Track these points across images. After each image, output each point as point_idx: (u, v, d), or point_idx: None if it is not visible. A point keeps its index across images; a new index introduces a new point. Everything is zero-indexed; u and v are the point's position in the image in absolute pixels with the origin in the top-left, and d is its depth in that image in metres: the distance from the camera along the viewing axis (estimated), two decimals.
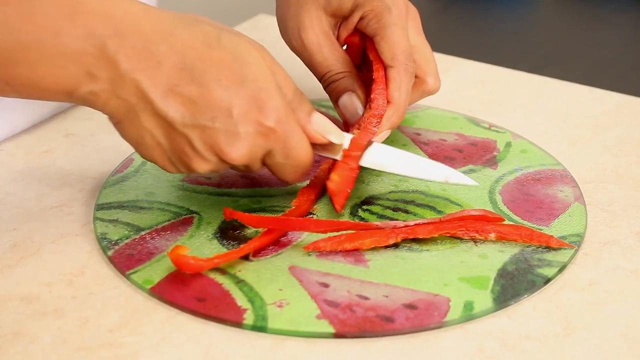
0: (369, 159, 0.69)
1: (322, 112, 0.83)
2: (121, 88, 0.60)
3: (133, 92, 0.60)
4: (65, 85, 0.59)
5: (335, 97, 0.74)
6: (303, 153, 0.65)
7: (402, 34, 0.73)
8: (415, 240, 0.66)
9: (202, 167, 0.62)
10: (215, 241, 0.66)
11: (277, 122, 0.62)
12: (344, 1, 0.75)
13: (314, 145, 0.66)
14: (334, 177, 0.68)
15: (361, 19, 0.74)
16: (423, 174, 0.69)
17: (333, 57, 0.75)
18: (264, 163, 0.65)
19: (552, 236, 0.66)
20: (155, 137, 0.61)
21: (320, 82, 0.75)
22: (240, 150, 0.62)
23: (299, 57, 0.76)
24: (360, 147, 0.69)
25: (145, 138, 0.62)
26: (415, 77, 0.75)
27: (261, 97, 0.62)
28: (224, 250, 0.65)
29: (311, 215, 0.69)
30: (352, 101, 0.74)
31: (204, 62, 0.61)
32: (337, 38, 0.76)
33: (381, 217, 0.69)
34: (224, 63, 0.61)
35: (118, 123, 0.62)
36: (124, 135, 0.62)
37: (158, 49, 0.60)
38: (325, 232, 0.66)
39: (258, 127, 0.62)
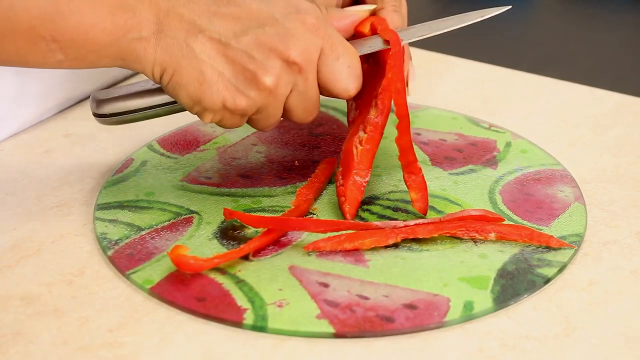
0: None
1: (322, 112, 0.83)
2: (168, 25, 0.61)
3: (180, 26, 0.61)
4: (114, 32, 0.60)
5: None
6: (350, 49, 0.66)
7: None
8: (415, 240, 0.66)
9: (270, 78, 0.62)
10: (215, 241, 0.66)
11: (316, 18, 0.64)
12: None
13: None
14: (348, 185, 0.68)
15: None
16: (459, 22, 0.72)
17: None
18: (317, 69, 0.65)
19: (552, 236, 0.66)
20: (215, 66, 0.62)
21: None
22: (297, 44, 0.63)
23: None
24: (368, 159, 0.69)
25: (206, 73, 0.62)
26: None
27: (294, 2, 0.64)
28: (224, 250, 0.65)
29: (311, 215, 0.69)
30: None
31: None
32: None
33: (381, 217, 0.69)
34: None
35: (175, 72, 0.62)
36: (184, 81, 0.62)
37: None
38: (325, 232, 0.66)
39: (302, 24, 0.63)
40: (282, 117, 0.66)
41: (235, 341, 0.58)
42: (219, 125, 0.66)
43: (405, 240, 0.66)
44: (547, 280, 0.63)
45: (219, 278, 0.62)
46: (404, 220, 0.67)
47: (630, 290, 0.63)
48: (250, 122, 0.66)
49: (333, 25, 0.67)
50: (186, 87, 0.62)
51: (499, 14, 0.74)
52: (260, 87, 0.63)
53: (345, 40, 0.66)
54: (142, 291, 0.62)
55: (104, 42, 0.60)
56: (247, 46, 0.62)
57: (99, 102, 0.68)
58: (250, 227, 0.67)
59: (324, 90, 0.66)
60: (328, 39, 0.65)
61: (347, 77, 0.66)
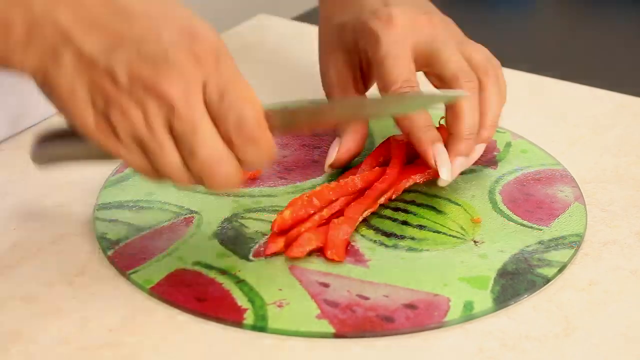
0: None
1: None
2: (39, 31, 0.54)
3: (52, 33, 0.54)
4: None
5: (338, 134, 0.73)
6: (246, 92, 0.56)
7: (395, 60, 0.69)
8: (416, 240, 0.66)
9: (134, 118, 0.54)
10: (215, 241, 0.66)
11: (210, 50, 0.55)
12: (345, 34, 0.74)
13: None
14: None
15: (364, 50, 0.73)
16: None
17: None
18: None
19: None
20: (83, 84, 0.54)
21: None
22: (173, 80, 0.54)
23: None
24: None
25: (75, 88, 0.54)
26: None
27: (194, 25, 0.56)
28: (225, 250, 0.65)
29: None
30: (333, 147, 0.73)
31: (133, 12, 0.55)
32: (363, 75, 0.75)
33: (381, 217, 0.69)
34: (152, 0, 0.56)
35: (43, 81, 0.55)
36: (49, 93, 0.55)
37: None
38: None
39: (189, 54, 0.55)
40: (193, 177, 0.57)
41: (235, 341, 0.58)
42: (113, 156, 0.57)
43: (405, 240, 0.66)
44: (547, 280, 0.63)
45: (219, 278, 0.62)
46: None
47: (630, 290, 0.63)
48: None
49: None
50: (56, 95, 0.55)
51: (449, 96, 0.69)
52: (124, 115, 0.54)
53: (243, 83, 0.56)
54: (142, 291, 0.62)
55: None
56: (116, 66, 0.54)
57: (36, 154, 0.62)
58: (250, 227, 0.67)
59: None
60: (214, 75, 0.55)
61: (230, 124, 0.56)
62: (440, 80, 0.71)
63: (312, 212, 0.66)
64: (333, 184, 0.68)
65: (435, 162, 0.68)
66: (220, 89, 0.55)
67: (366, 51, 0.72)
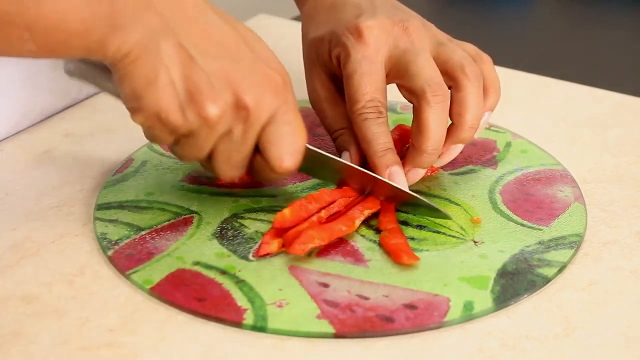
0: None
1: None
2: (144, 17, 0.58)
3: (156, 22, 0.58)
4: (88, 21, 0.57)
5: (339, 152, 0.72)
6: (301, 126, 0.63)
7: (361, 77, 0.69)
8: (415, 240, 0.66)
9: (216, 109, 0.59)
10: (215, 241, 0.66)
11: (283, 81, 0.62)
12: (322, 47, 0.73)
13: None
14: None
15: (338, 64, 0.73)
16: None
17: (332, 114, 0.73)
18: (262, 130, 0.62)
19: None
20: (170, 73, 0.59)
21: None
22: (257, 93, 0.60)
23: None
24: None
25: (159, 76, 0.59)
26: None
27: (276, 62, 0.63)
28: (224, 250, 0.65)
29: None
30: (345, 158, 0.71)
31: (227, 27, 0.62)
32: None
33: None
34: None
35: (134, 61, 0.58)
36: (136, 73, 0.59)
37: None
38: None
39: (269, 80, 0.61)
40: (205, 160, 0.64)
41: (235, 341, 0.58)
42: (145, 133, 0.62)
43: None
44: (547, 280, 0.63)
45: (219, 278, 0.62)
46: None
47: (630, 290, 0.63)
48: (175, 143, 0.63)
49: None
50: (135, 79, 0.59)
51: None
52: (201, 112, 0.59)
53: (300, 115, 0.63)
54: (142, 291, 0.62)
55: (76, 31, 0.57)
56: (210, 70, 0.59)
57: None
58: (249, 227, 0.67)
59: (260, 151, 0.63)
60: (285, 104, 0.62)
61: (286, 146, 0.62)
62: (409, 93, 0.70)
63: (312, 212, 0.66)
64: (332, 189, 0.69)
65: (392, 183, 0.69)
66: (287, 119, 0.62)
67: (339, 65, 0.72)
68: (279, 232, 0.65)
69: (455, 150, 0.71)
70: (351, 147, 0.71)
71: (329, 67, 0.73)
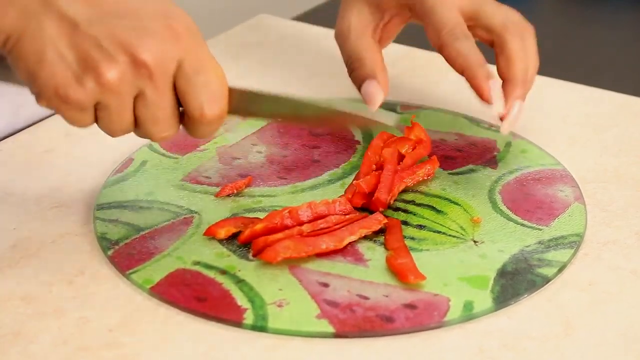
0: None
1: None
2: None
3: None
4: None
5: (358, 85, 0.74)
6: (216, 68, 0.60)
7: (443, 6, 0.73)
8: (415, 240, 0.66)
9: (112, 71, 0.57)
10: (215, 241, 0.66)
11: (185, 27, 0.59)
12: None
13: None
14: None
15: (409, 8, 0.76)
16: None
17: (359, 45, 0.75)
18: (175, 82, 0.59)
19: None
20: (58, 47, 0.56)
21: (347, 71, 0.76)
22: (152, 46, 0.57)
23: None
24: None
25: (47, 52, 0.56)
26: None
27: (170, 7, 0.60)
28: (224, 250, 0.65)
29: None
30: (372, 88, 0.73)
31: None
32: (384, 32, 0.78)
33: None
34: None
35: (18, 42, 0.56)
36: (24, 54, 0.56)
37: None
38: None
39: (166, 29, 0.58)
40: (133, 128, 0.61)
41: (235, 341, 0.58)
42: (63, 117, 0.59)
43: (405, 240, 0.66)
44: (547, 280, 0.63)
45: (219, 278, 0.62)
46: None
47: (630, 290, 0.63)
48: (96, 121, 0.60)
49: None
50: (25, 60, 0.57)
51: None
52: (100, 79, 0.57)
53: (214, 59, 0.60)
54: (142, 291, 0.62)
55: None
56: (98, 34, 0.56)
57: None
58: (249, 227, 0.67)
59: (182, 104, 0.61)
60: (191, 52, 0.59)
61: (203, 94, 0.60)
62: (488, 31, 0.74)
63: (288, 224, 0.66)
64: (321, 201, 0.68)
65: (490, 97, 0.71)
66: (197, 66, 0.59)
67: (411, 8, 0.75)
68: (251, 236, 0.66)
69: (516, 108, 0.73)
70: (378, 73, 0.73)
71: (378, 7, 0.76)
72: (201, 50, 0.60)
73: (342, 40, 0.77)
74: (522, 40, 0.74)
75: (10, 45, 0.57)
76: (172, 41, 0.58)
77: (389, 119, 0.64)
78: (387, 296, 0.61)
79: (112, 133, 0.61)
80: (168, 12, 0.59)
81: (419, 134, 0.75)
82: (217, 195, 0.71)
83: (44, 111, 0.83)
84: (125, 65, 0.57)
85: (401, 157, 0.73)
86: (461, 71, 0.72)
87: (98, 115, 0.59)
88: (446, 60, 0.73)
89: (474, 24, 0.75)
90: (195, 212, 0.69)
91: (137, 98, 0.59)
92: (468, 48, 0.72)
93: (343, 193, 0.71)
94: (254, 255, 0.64)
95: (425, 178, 0.73)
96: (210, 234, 0.66)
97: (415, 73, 0.87)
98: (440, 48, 0.73)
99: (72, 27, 0.57)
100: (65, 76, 0.57)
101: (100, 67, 0.56)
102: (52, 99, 0.57)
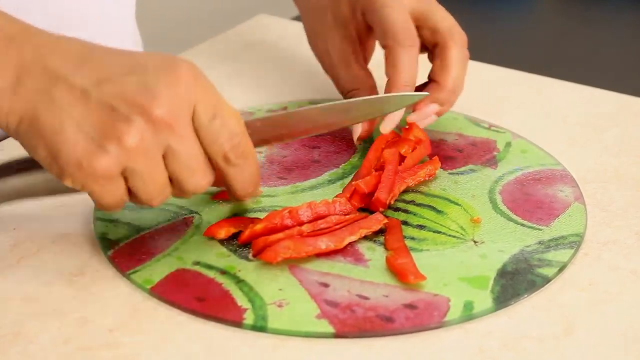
0: None
1: None
2: (29, 76, 0.56)
3: (41, 75, 0.56)
4: None
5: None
6: (229, 109, 0.60)
7: (391, 8, 0.75)
8: (415, 240, 0.66)
9: (132, 133, 0.56)
10: (215, 241, 0.66)
11: (192, 72, 0.58)
12: (340, 6, 0.78)
13: None
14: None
15: (363, 15, 0.77)
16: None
17: (346, 74, 0.78)
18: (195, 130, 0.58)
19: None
20: (74, 117, 0.56)
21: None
22: (163, 100, 0.56)
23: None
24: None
25: (64, 124, 0.56)
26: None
27: (174, 59, 0.59)
28: (224, 250, 0.65)
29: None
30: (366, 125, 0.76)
31: (111, 49, 0.59)
32: (364, 49, 0.80)
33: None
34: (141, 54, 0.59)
35: (32, 121, 0.56)
36: (40, 131, 0.56)
37: (65, 42, 0.58)
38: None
39: (175, 78, 0.57)
40: (170, 188, 0.60)
41: (235, 341, 0.58)
42: (94, 200, 0.58)
43: (405, 240, 0.66)
44: (547, 280, 0.63)
45: (219, 278, 0.62)
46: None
47: (630, 290, 0.63)
48: (131, 195, 0.59)
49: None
50: (43, 137, 0.56)
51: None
52: (122, 143, 0.56)
53: (225, 101, 0.60)
54: (142, 291, 0.62)
55: None
56: (109, 97, 0.56)
57: None
58: (249, 227, 0.67)
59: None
60: (202, 99, 0.58)
61: (223, 137, 0.59)
62: (433, 33, 0.77)
63: (287, 225, 0.66)
64: (321, 201, 0.68)
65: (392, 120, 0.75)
66: (211, 111, 0.59)
67: (364, 14, 0.77)
68: (251, 237, 0.65)
69: (430, 109, 0.76)
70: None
71: (347, 26, 0.78)
72: (212, 95, 0.59)
73: (331, 73, 0.79)
74: (462, 50, 0.77)
75: (24, 126, 0.57)
76: (182, 90, 0.57)
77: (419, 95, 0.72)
78: (387, 296, 0.61)
79: (151, 200, 0.59)
80: (172, 62, 0.58)
81: (418, 134, 0.76)
82: (212, 198, 0.71)
83: None
84: (142, 125, 0.56)
85: (402, 158, 0.73)
86: (387, 77, 0.75)
87: (131, 185, 0.58)
88: (384, 60, 0.75)
89: (422, 24, 0.77)
90: (195, 212, 0.69)
91: (166, 155, 0.58)
92: (402, 61, 0.74)
93: (341, 192, 0.71)
94: (254, 256, 0.64)
95: (427, 178, 0.73)
96: (210, 234, 0.66)
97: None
98: (384, 49, 0.76)
99: (83, 95, 0.56)
100: (86, 146, 0.56)
101: (119, 130, 0.56)
102: (77, 174, 0.56)
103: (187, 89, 0.58)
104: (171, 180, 0.59)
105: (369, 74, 0.79)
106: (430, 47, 0.78)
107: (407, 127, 0.76)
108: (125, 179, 0.58)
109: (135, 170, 0.57)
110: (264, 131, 0.65)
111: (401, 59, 0.74)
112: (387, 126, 0.74)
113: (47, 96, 0.56)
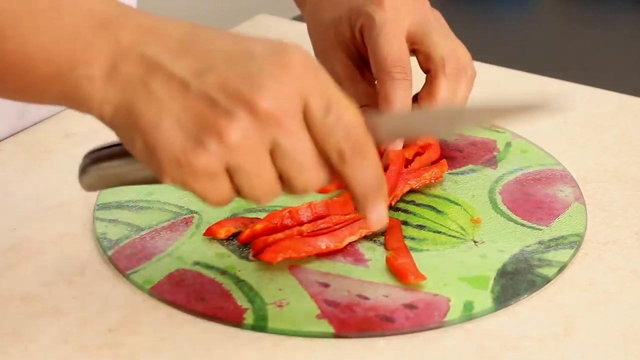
0: None
1: None
2: (125, 63, 0.52)
3: (138, 63, 0.52)
4: (58, 63, 0.51)
5: None
6: (347, 104, 0.54)
7: (387, 37, 0.72)
8: (415, 240, 0.66)
9: (233, 129, 0.51)
10: (215, 241, 0.66)
11: (304, 64, 0.52)
12: (341, 27, 0.76)
13: None
14: None
15: (362, 34, 0.75)
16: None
17: (353, 92, 0.74)
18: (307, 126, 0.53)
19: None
20: (172, 110, 0.51)
21: None
22: (269, 92, 0.51)
23: None
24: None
25: (162, 118, 0.51)
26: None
27: (281, 41, 0.53)
28: (224, 250, 0.65)
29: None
30: None
31: (218, 32, 0.54)
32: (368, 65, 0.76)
33: None
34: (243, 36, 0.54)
35: (127, 113, 0.52)
36: (136, 124, 0.52)
37: (166, 26, 0.53)
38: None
39: (282, 67, 0.52)
40: (280, 186, 0.55)
41: (235, 341, 0.58)
42: (199, 198, 0.53)
43: (405, 240, 0.66)
44: (547, 280, 0.63)
45: (219, 278, 0.62)
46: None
47: (630, 290, 0.63)
48: (237, 191, 0.54)
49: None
50: (139, 131, 0.52)
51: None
52: (222, 139, 0.51)
53: (339, 91, 0.54)
54: (142, 291, 0.62)
55: (46, 75, 0.51)
56: (210, 88, 0.51)
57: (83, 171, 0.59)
58: (249, 227, 0.67)
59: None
60: (314, 89, 0.52)
61: (339, 135, 0.53)
62: (427, 59, 0.74)
63: (287, 225, 0.66)
64: (321, 201, 0.68)
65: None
66: (324, 104, 0.53)
67: (362, 34, 0.75)
68: (251, 237, 0.65)
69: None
70: None
71: (349, 46, 0.76)
72: (324, 84, 0.53)
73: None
74: (454, 83, 0.72)
75: (120, 117, 0.53)
76: (291, 79, 0.52)
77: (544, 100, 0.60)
78: (387, 296, 0.61)
79: (260, 198, 0.54)
80: (280, 47, 0.53)
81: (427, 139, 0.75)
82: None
83: (48, 115, 0.83)
84: (246, 120, 0.51)
85: (408, 162, 0.73)
86: (380, 109, 0.71)
87: (236, 183, 0.53)
88: (378, 91, 0.72)
89: (417, 48, 0.74)
90: (195, 212, 0.69)
91: (273, 151, 0.52)
92: (395, 94, 0.71)
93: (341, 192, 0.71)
94: (254, 256, 0.64)
95: (433, 181, 0.73)
96: (210, 234, 0.66)
97: (415, 73, 0.87)
98: (376, 79, 0.73)
99: (182, 86, 0.51)
100: (184, 142, 0.51)
101: (220, 126, 0.51)
102: (176, 171, 0.52)
103: (297, 79, 0.52)
104: (280, 177, 0.54)
105: (376, 90, 0.75)
106: (424, 71, 0.74)
107: None
108: (230, 177, 0.53)
109: (239, 168, 0.52)
110: (388, 129, 0.59)
111: (395, 93, 0.71)
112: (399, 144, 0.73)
113: (144, 87, 0.51)
